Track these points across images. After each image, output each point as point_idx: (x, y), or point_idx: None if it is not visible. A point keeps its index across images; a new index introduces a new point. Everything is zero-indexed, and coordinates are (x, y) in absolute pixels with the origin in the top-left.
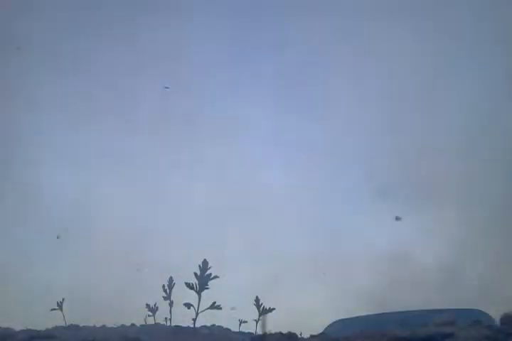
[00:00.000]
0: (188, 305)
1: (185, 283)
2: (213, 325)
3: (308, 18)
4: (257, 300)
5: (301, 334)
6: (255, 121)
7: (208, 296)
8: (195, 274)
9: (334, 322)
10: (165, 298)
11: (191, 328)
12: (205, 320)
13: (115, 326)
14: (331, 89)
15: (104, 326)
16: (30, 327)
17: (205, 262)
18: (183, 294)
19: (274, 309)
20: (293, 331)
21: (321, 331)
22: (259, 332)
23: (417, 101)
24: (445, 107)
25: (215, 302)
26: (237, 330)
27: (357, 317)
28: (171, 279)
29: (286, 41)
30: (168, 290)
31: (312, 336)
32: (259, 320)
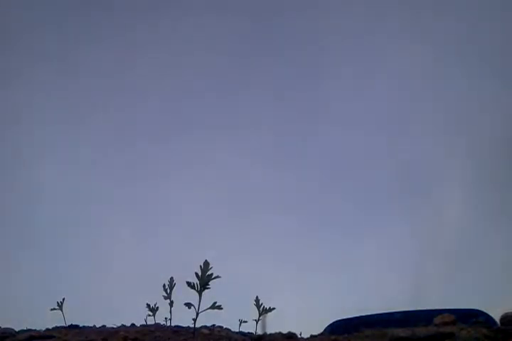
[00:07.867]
0: (189, 305)
1: (187, 282)
2: (213, 325)
3: None
4: (257, 300)
5: (301, 334)
6: None
7: (208, 296)
8: (196, 274)
9: (334, 322)
10: (165, 298)
11: (191, 328)
12: (206, 320)
13: (115, 326)
14: None
15: (104, 326)
16: (30, 327)
17: (206, 262)
18: (183, 294)
19: (274, 309)
20: (293, 331)
21: (321, 331)
22: (259, 332)
23: None
24: None
25: (215, 302)
26: (237, 330)
27: (357, 317)
28: (171, 279)
29: None
30: (168, 290)
31: (312, 336)
32: (259, 320)
